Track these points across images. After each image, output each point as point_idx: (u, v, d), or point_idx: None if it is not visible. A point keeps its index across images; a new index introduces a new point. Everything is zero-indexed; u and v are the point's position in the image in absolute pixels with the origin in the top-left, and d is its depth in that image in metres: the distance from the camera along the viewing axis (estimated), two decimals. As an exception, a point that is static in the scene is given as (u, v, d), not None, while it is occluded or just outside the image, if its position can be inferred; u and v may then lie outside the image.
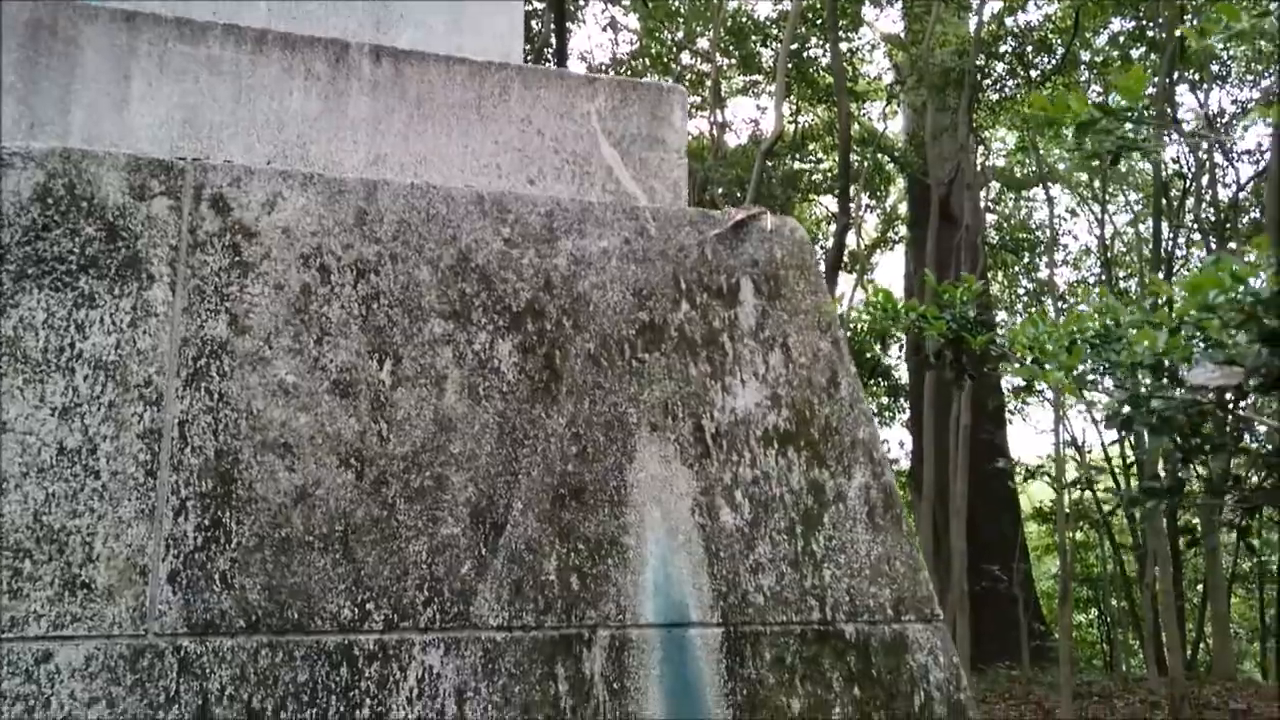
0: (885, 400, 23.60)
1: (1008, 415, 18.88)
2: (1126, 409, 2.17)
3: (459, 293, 2.51)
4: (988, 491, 15.53)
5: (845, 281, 21.77)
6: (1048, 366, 2.24)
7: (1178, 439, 2.26)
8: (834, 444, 2.63)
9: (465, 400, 2.42)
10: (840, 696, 2.40)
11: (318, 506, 2.25)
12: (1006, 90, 14.96)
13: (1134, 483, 15.55)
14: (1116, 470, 17.54)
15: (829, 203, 19.70)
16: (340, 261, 2.43)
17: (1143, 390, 2.13)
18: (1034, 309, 16.12)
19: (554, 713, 2.23)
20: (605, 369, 2.55)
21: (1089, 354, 2.24)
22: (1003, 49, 14.31)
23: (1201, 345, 2.09)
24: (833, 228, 17.74)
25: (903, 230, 19.75)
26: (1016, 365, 2.32)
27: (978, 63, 14.17)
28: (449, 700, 2.17)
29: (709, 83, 15.88)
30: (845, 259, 21.53)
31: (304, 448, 2.28)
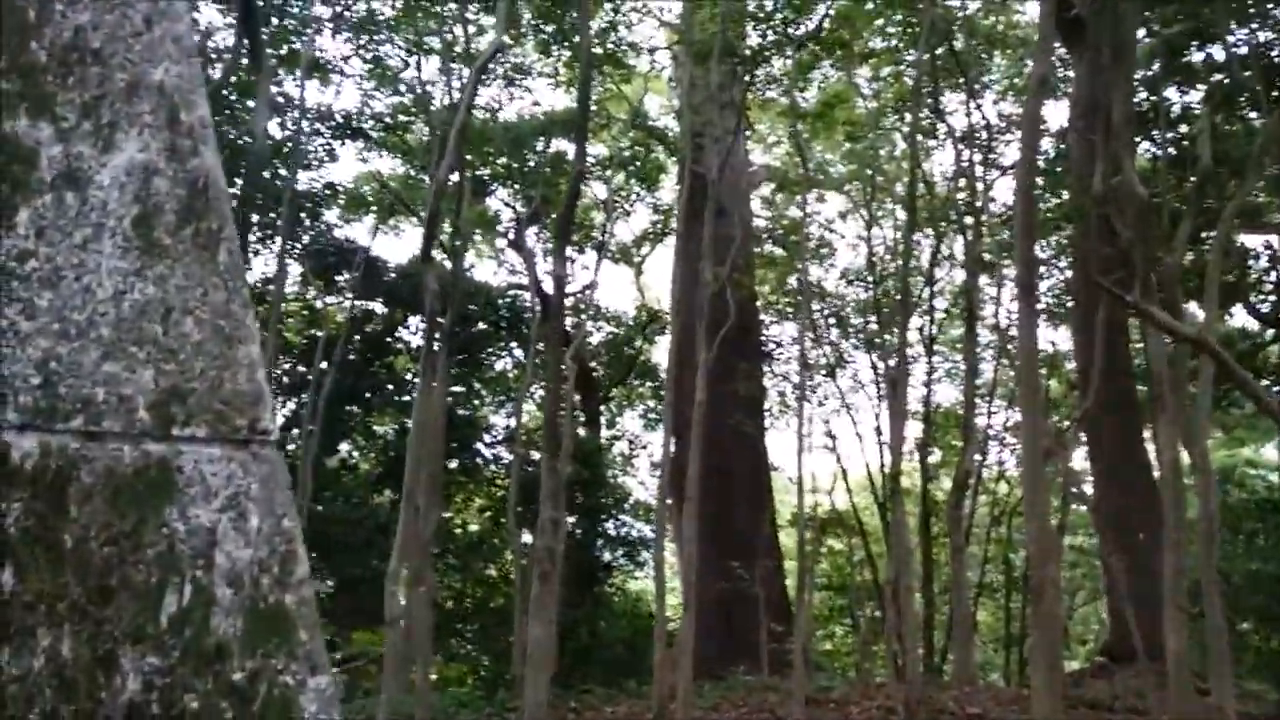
0: (651, 403, 22.77)
1: (769, 417, 18.28)
2: None
3: None
4: (741, 489, 14.74)
5: (621, 274, 20.91)
6: None
7: None
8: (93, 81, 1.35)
9: None
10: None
11: None
12: (774, 68, 14.25)
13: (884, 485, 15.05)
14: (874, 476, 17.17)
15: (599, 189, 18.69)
16: None
17: None
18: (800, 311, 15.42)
19: None
20: None
21: None
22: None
23: None
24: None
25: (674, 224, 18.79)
26: None
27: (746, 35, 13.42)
28: None
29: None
30: (615, 252, 20.56)
31: None
